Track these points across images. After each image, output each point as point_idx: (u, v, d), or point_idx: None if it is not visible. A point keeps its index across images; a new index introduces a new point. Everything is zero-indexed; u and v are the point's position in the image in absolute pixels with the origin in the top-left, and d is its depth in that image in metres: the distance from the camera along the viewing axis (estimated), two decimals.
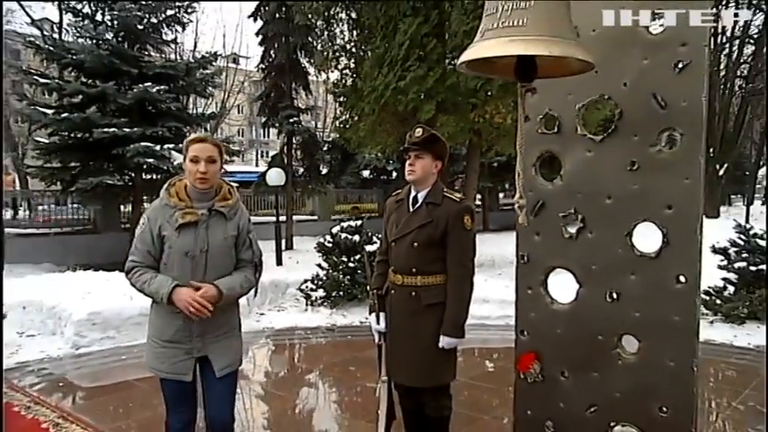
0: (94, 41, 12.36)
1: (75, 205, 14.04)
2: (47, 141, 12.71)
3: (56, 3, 17.15)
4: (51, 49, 12.59)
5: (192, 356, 2.33)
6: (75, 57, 12.14)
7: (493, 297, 6.45)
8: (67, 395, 4.44)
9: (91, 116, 11.33)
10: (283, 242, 13.74)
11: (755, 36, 23.12)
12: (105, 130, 11.26)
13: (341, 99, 13.42)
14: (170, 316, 2.29)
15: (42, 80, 12.57)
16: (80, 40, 13.30)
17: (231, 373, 2.42)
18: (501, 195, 25.35)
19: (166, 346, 2.32)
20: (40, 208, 14.66)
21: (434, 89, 10.12)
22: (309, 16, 12.62)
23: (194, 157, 2.28)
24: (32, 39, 14.43)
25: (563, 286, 2.49)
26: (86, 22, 13.72)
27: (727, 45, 23.53)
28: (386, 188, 20.94)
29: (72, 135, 12.21)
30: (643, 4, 2.07)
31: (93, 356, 5.26)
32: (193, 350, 2.32)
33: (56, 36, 17.80)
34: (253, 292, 2.53)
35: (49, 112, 11.90)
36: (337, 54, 13.04)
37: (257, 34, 20.47)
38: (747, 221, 10.48)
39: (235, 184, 2.53)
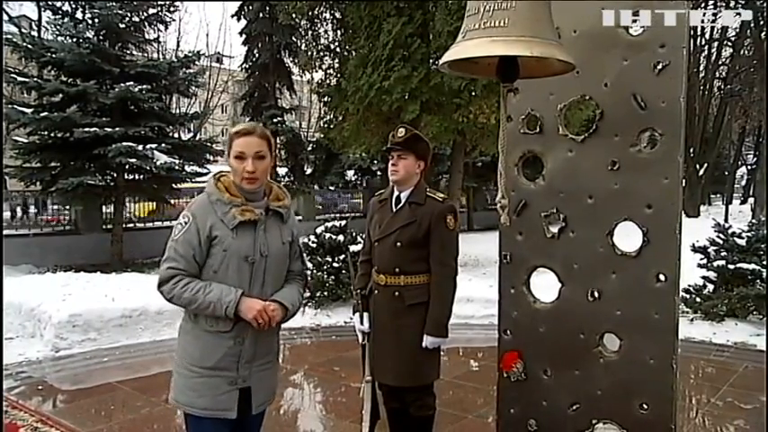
0: (75, 40, 12.17)
1: (55, 206, 13.82)
2: (26, 141, 12.49)
3: (34, 0, 16.90)
4: (30, 47, 12.37)
5: (236, 387, 1.96)
6: (54, 55, 11.95)
7: (477, 296, 6.48)
8: (47, 398, 4.38)
9: (71, 115, 11.15)
10: None
11: (733, 38, 23.53)
12: (86, 129, 11.09)
13: (325, 99, 13.39)
14: (216, 337, 1.93)
15: (20, 78, 12.36)
16: (60, 39, 13.07)
17: (265, 409, 2.12)
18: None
19: (208, 375, 1.93)
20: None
21: (418, 89, 10.15)
22: (293, 16, 12.58)
23: (240, 154, 1.94)
24: (10, 36, 14.17)
25: (546, 285, 2.52)
26: (66, 20, 13.51)
27: (706, 47, 23.93)
28: (370, 188, 20.96)
29: (52, 134, 12.01)
30: (623, 5, 2.10)
31: (73, 359, 5.18)
32: (238, 379, 1.96)
33: (34, 34, 17.51)
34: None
35: (28, 111, 11.69)
36: (321, 54, 13.02)
37: (241, 33, 20.41)
38: (726, 220, 10.65)
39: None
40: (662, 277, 2.07)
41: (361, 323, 2.78)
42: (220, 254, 1.92)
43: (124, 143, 11.21)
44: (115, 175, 12.19)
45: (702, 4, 17.75)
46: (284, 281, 2.09)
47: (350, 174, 22.78)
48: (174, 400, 2.01)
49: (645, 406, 2.11)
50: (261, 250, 1.96)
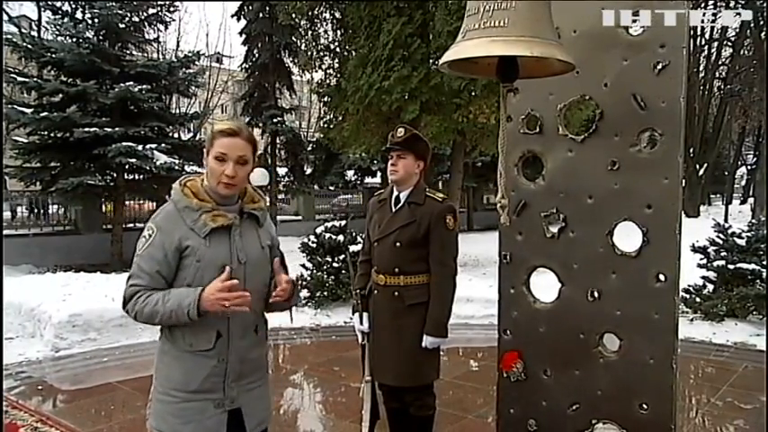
0: (75, 40, 12.18)
1: (55, 205, 13.83)
2: (26, 141, 12.51)
3: (34, 0, 16.90)
4: (30, 47, 12.38)
5: (225, 409, 1.80)
6: (54, 55, 11.96)
7: (477, 296, 6.48)
8: (47, 398, 4.38)
9: (71, 115, 11.18)
10: None
11: (733, 38, 23.55)
12: (86, 129, 11.11)
13: (325, 99, 13.39)
14: (198, 357, 1.77)
15: (20, 78, 12.37)
16: (60, 39, 13.10)
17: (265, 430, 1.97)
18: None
19: (193, 399, 1.77)
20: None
21: (418, 89, 10.15)
22: (293, 16, 12.58)
23: (221, 155, 1.75)
24: (9, 36, 14.18)
25: (546, 285, 2.51)
26: (66, 20, 13.52)
27: (706, 47, 23.95)
28: (370, 188, 20.96)
29: (52, 134, 12.04)
30: (623, 5, 2.10)
31: (73, 359, 5.19)
32: (225, 401, 1.80)
33: (34, 34, 17.52)
34: (289, 316, 2.07)
35: (28, 111, 11.71)
36: (321, 54, 13.02)
37: (241, 33, 20.39)
38: (726, 220, 10.65)
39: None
40: (662, 277, 2.07)
41: (361, 323, 2.79)
42: (193, 265, 1.74)
43: (124, 143, 11.22)
44: (115, 174, 12.21)
45: (702, 4, 17.77)
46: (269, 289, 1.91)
47: (350, 174, 22.78)
48: (154, 428, 1.82)
49: (645, 406, 2.11)
50: (239, 257, 1.79)
